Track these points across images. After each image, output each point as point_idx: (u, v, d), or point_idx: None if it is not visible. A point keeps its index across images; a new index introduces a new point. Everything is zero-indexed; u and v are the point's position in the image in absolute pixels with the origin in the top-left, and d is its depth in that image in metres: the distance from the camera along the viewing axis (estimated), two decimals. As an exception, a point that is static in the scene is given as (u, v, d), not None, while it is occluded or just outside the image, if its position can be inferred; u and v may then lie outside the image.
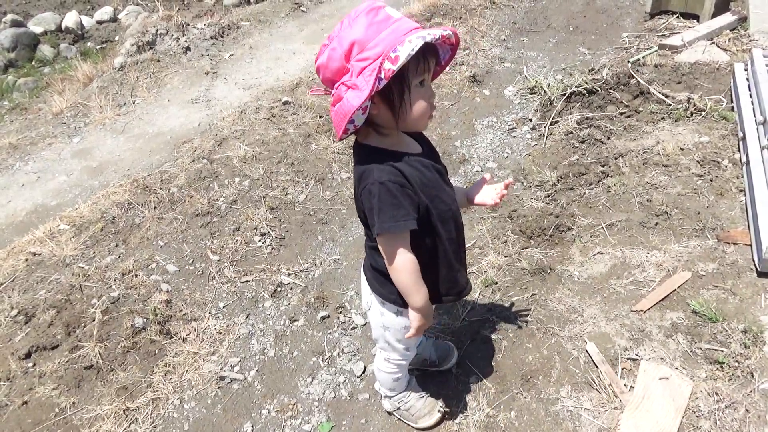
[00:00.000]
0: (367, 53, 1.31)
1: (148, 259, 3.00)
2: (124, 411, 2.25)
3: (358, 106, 1.31)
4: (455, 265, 1.72)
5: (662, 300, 2.35)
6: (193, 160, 3.78)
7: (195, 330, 2.59)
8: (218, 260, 2.98)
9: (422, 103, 1.43)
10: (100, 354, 2.44)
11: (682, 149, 3.21)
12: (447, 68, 1.59)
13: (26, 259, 3.04)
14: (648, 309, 2.32)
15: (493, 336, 2.38)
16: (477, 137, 3.95)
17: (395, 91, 1.38)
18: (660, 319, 2.28)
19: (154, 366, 2.42)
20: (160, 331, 2.55)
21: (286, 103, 4.37)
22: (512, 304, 2.51)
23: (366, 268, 1.76)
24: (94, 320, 2.58)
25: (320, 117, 4.14)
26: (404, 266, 1.50)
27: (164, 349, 2.49)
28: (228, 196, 3.42)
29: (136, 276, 2.87)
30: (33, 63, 7.26)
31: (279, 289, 2.81)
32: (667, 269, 2.49)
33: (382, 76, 1.29)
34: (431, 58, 1.40)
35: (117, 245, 3.11)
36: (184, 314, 2.66)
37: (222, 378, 2.39)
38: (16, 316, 2.64)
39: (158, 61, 5.20)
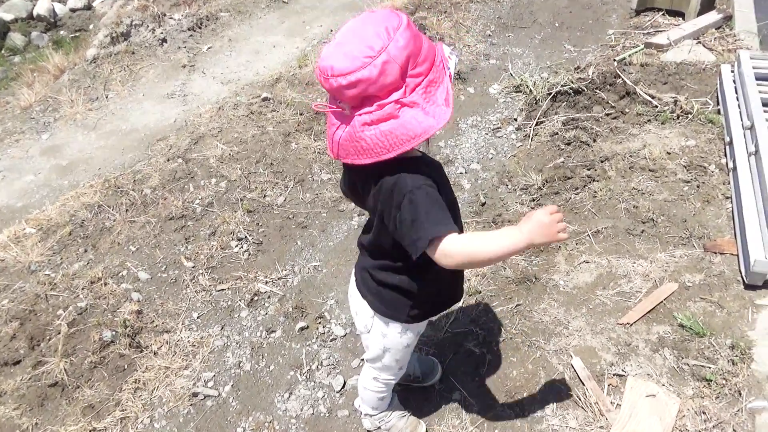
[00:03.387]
0: (420, 68, 1.26)
1: (119, 265, 2.88)
2: (90, 431, 2.14)
3: (443, 124, 1.27)
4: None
5: (649, 312, 2.29)
6: (168, 160, 3.64)
7: (167, 342, 2.48)
8: (193, 267, 2.87)
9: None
10: (65, 370, 2.33)
11: (669, 153, 3.16)
12: None
13: (-11, 265, 2.90)
14: (634, 322, 2.27)
15: (476, 349, 2.31)
16: (461, 137, 3.86)
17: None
18: (646, 333, 2.23)
19: (122, 382, 2.31)
20: (129, 344, 2.44)
21: (265, 99, 4.24)
22: (496, 315, 2.44)
23: (366, 290, 1.65)
24: (59, 333, 2.46)
25: (300, 115, 4.02)
26: (478, 248, 1.29)
27: (134, 364, 2.38)
28: (204, 198, 3.30)
29: (106, 284, 2.74)
30: (2, 51, 6.99)
31: (256, 297, 2.71)
32: (653, 280, 2.44)
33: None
34: None
35: (86, 251, 2.98)
36: (156, 326, 2.55)
37: (195, 394, 2.29)
38: (-24, 328, 2.51)
39: (133, 53, 5.02)
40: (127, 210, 3.22)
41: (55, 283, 2.75)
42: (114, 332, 2.46)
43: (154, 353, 2.43)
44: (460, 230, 1.54)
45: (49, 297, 2.67)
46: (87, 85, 4.66)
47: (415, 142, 1.26)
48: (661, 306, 2.31)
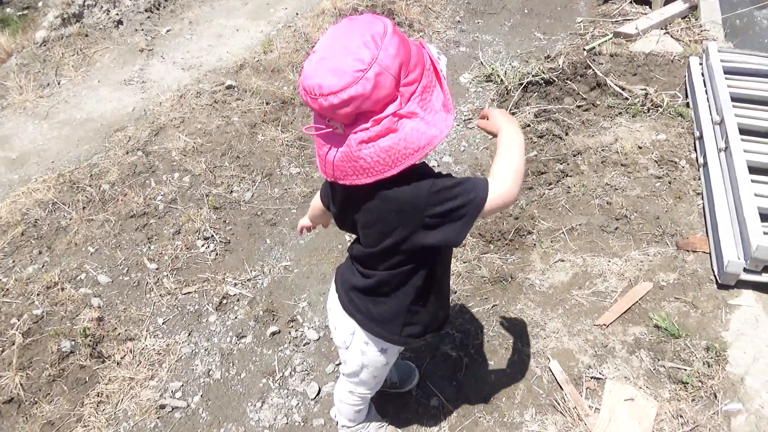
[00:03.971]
0: (413, 75, 1.18)
1: (77, 268, 2.72)
2: (50, 450, 2.03)
3: (447, 133, 1.20)
4: (449, 287, 1.67)
5: (624, 313, 2.29)
6: (127, 152, 3.46)
7: (131, 351, 2.37)
8: (156, 269, 2.74)
9: None
10: (21, 385, 2.19)
11: (640, 147, 3.16)
12: None
13: (-66, 270, 2.71)
14: (611, 323, 2.26)
15: (453, 353, 2.28)
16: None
17: None
18: (623, 334, 2.23)
19: (84, 396, 2.19)
20: (90, 354, 2.31)
21: (229, 87, 4.07)
22: (473, 317, 2.41)
23: (354, 309, 1.56)
24: (13, 344, 2.31)
25: (267, 104, 3.87)
26: (513, 172, 1.28)
27: (96, 376, 2.26)
28: (166, 194, 3.15)
29: (63, 289, 2.59)
30: (-57, 30, 6.56)
31: (224, 301, 2.61)
32: (628, 279, 2.44)
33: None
34: None
35: (40, 252, 2.81)
36: (118, 333, 2.42)
37: (162, 406, 2.19)
38: None
39: (86, 35, 4.74)
40: (84, 207, 3.05)
41: (7, 289, 2.58)
42: (73, 342, 2.33)
43: (118, 363, 2.31)
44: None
45: (1, 304, 2.51)
46: (37, 70, 4.38)
47: (420, 155, 1.18)
48: (636, 306, 2.32)
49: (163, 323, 2.50)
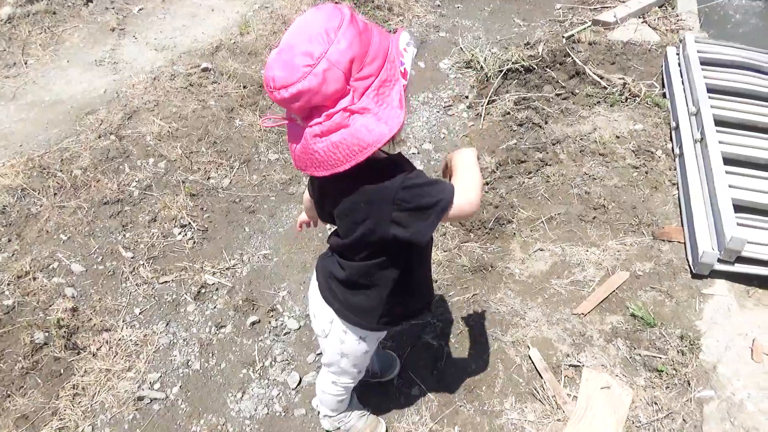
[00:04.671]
0: (368, 69, 1.14)
1: (49, 257, 2.65)
2: (25, 444, 1.99)
3: (397, 130, 1.17)
4: (430, 271, 1.68)
5: (602, 302, 2.33)
6: (99, 136, 3.36)
7: (107, 342, 2.32)
8: (132, 257, 2.68)
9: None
10: (-7, 377, 2.13)
11: (618, 137, 3.20)
12: None
13: None
14: (589, 312, 2.30)
15: (434, 342, 2.29)
16: (413, 115, 3.77)
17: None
18: (600, 323, 2.27)
19: (59, 389, 2.15)
20: (65, 345, 2.26)
21: (205, 69, 3.97)
22: (453, 306, 2.42)
23: (332, 298, 1.57)
24: (-16, 335, 2.25)
25: (244, 87, 3.80)
26: (477, 187, 1.32)
27: (71, 368, 2.21)
28: (141, 181, 3.07)
29: (35, 279, 2.52)
30: None
31: (203, 290, 2.57)
32: (606, 268, 2.48)
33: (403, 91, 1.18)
34: None
35: (10, 240, 2.73)
36: (94, 324, 2.37)
37: (140, 398, 2.16)
38: None
39: (54, 13, 4.57)
40: (55, 194, 2.96)
41: (-25, 279, 2.50)
42: (47, 333, 2.27)
43: (93, 355, 2.27)
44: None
45: (-31, 294, 2.43)
46: (2, 48, 4.21)
47: (367, 152, 1.17)
48: (613, 295, 2.36)
49: (139, 313, 2.46)
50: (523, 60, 3.95)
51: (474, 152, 1.40)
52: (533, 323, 2.30)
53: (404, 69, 1.17)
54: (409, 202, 1.24)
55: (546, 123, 3.44)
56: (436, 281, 2.54)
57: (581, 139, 3.22)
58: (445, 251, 2.69)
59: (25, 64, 4.13)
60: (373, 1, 4.90)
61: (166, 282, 2.59)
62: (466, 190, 1.30)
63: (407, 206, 1.24)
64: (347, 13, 1.14)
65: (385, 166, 1.27)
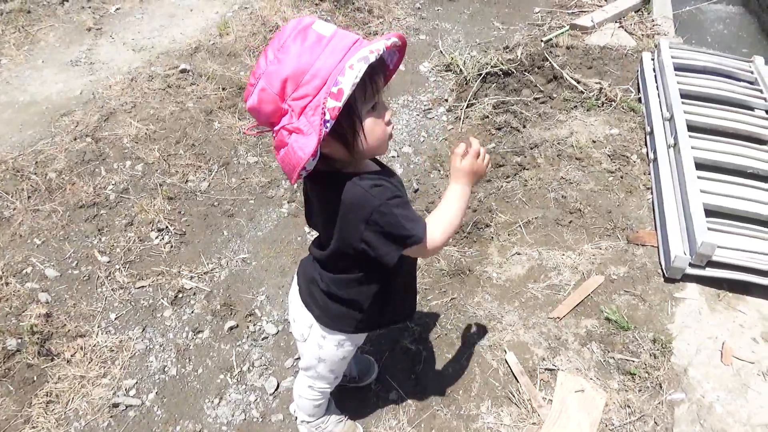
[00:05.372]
0: (304, 89, 1.13)
1: (22, 261, 2.61)
2: (-4, 453, 1.96)
3: (308, 157, 1.15)
4: (415, 278, 1.71)
5: (577, 306, 2.37)
6: (75, 138, 3.32)
7: (81, 348, 2.29)
8: (108, 262, 2.65)
9: (378, 128, 1.27)
10: (-37, 385, 2.10)
11: (594, 142, 3.24)
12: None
13: None
14: (564, 316, 2.33)
15: (412, 346, 2.30)
16: (393, 118, 3.77)
17: (346, 126, 1.21)
18: (575, 327, 2.30)
19: (32, 396, 2.12)
20: (38, 352, 2.23)
21: (183, 71, 3.94)
22: (431, 310, 2.44)
23: (312, 303, 1.58)
24: (-46, 343, 2.21)
25: (223, 90, 3.77)
26: (452, 222, 1.35)
27: (44, 375, 2.18)
28: (118, 184, 3.04)
29: (7, 284, 2.48)
30: None
31: (180, 295, 2.55)
32: (581, 272, 2.51)
33: (328, 117, 1.12)
34: (379, 72, 1.24)
35: (-18, 244, 2.68)
36: (68, 330, 2.34)
37: (115, 405, 2.14)
38: None
39: (29, 12, 4.50)
40: (29, 197, 2.91)
41: (-54, 284, 2.45)
42: (20, 340, 2.23)
43: (68, 361, 2.24)
44: None
45: (-61, 300, 2.38)
46: (-26, 47, 4.13)
47: (296, 173, 1.19)
48: (588, 299, 2.39)
49: (115, 318, 2.43)
50: (502, 64, 3.99)
51: (470, 179, 1.39)
52: (510, 327, 2.33)
53: (338, 89, 1.10)
54: (382, 226, 1.26)
55: (524, 127, 3.47)
56: (415, 285, 2.55)
57: (558, 143, 3.26)
58: (423, 255, 2.70)
59: (-1, 63, 4.05)
60: (353, 3, 4.91)
61: (142, 287, 2.57)
62: (436, 233, 1.31)
63: (378, 229, 1.26)
64: (294, 28, 1.15)
65: (367, 182, 1.27)
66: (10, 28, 4.33)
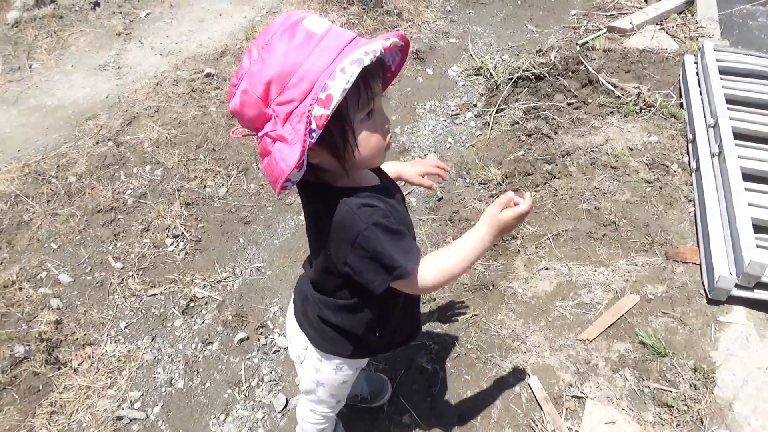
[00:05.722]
0: (290, 92, 1.01)
1: (37, 266, 2.58)
2: (-4, 465, 1.90)
3: (291, 168, 1.03)
4: (419, 302, 1.60)
5: (609, 327, 2.19)
6: (98, 142, 3.30)
7: (89, 357, 2.24)
8: (121, 268, 2.60)
9: (374, 138, 1.14)
10: (-32, 393, 2.06)
11: (631, 149, 3.05)
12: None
13: None
14: (595, 338, 2.16)
15: (429, 366, 2.16)
16: (418, 123, 3.66)
17: (336, 135, 1.08)
18: (607, 350, 2.13)
19: (36, 406, 2.07)
20: (46, 360, 2.18)
21: (208, 75, 3.91)
22: (451, 327, 2.30)
23: (306, 323, 1.47)
24: (-37, 348, 2.18)
25: (246, 94, 3.71)
26: (452, 264, 1.21)
27: (50, 384, 2.13)
28: (136, 188, 3.00)
29: (21, 289, 2.46)
30: None
31: (192, 304, 2.48)
32: (614, 290, 2.34)
33: (314, 125, 1.00)
34: (375, 77, 1.10)
35: (0, 248, 2.66)
36: (77, 338, 2.29)
37: (119, 418, 2.07)
38: None
39: (61, 17, 4.55)
40: (48, 201, 2.90)
41: (-39, 288, 2.44)
42: (28, 347, 2.19)
43: (74, 370, 2.19)
44: None
45: (-47, 304, 2.37)
46: (7, 52, 4.19)
47: (279, 181, 1.07)
48: (622, 320, 2.21)
49: (125, 327, 2.37)
50: (534, 67, 3.82)
51: (495, 231, 1.22)
52: (534, 348, 2.17)
53: (326, 95, 0.98)
54: (367, 251, 1.14)
55: (556, 133, 3.30)
56: (434, 299, 2.42)
57: (592, 150, 3.08)
58: (445, 268, 2.56)
59: (30, 68, 4.10)
60: (382, 6, 4.81)
61: (154, 295, 2.51)
62: (428, 274, 1.18)
63: (363, 254, 1.14)
64: (282, 23, 1.03)
65: (355, 200, 1.16)
66: (42, 33, 4.39)
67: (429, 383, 2.11)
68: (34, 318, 2.34)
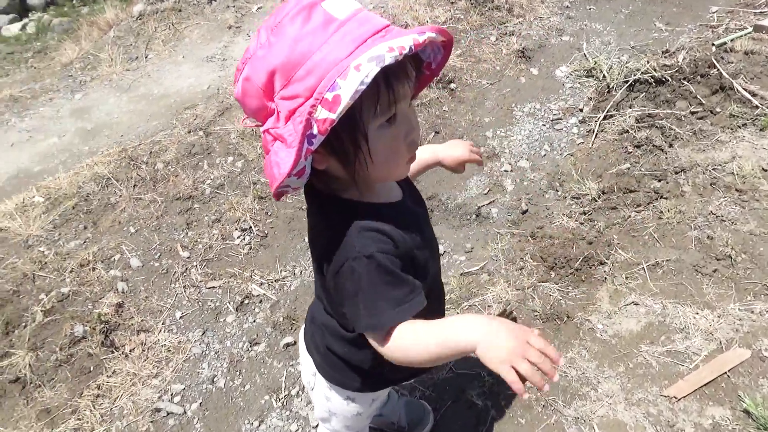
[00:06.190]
0: (296, 87, 0.84)
1: (114, 248, 2.67)
2: (40, 440, 1.96)
3: (283, 177, 0.88)
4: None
5: (705, 385, 1.80)
6: (189, 131, 3.39)
7: (142, 344, 2.26)
8: (188, 257, 2.62)
9: (393, 149, 0.96)
10: (30, 365, 2.15)
11: (765, 170, 2.54)
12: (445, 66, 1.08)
13: (-10, 235, 2.79)
14: (685, 396, 1.78)
15: (479, 401, 1.92)
16: (513, 127, 3.36)
17: (346, 141, 0.91)
18: (698, 414, 1.75)
19: (84, 387, 2.11)
20: (102, 342, 2.23)
21: (304, 69, 3.88)
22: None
23: (313, 347, 1.33)
24: (34, 321, 2.29)
25: (337, 89, 3.64)
26: (425, 349, 0.95)
27: (101, 366, 2.17)
28: (216, 179, 3.03)
29: (94, 269, 2.55)
30: (74, 1, 7.05)
31: (247, 301, 2.43)
32: (719, 341, 1.93)
33: (315, 130, 0.83)
34: (401, 78, 0.90)
35: (86, 227, 2.80)
36: (134, 324, 2.33)
37: (158, 410, 2.05)
38: (-44, 305, 2.39)
39: (179, 11, 4.79)
40: (135, 185, 3.01)
41: (45, 262, 2.58)
42: (87, 328, 2.25)
43: (126, 356, 2.22)
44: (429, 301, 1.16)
45: (36, 277, 2.51)
46: (129, 43, 4.49)
47: (276, 184, 0.91)
48: (723, 379, 1.81)
49: (180, 317, 2.38)
50: (655, 70, 3.35)
51: (490, 354, 0.88)
52: (606, 398, 1.84)
53: (333, 95, 0.81)
54: (350, 282, 0.97)
55: (671, 146, 2.85)
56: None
57: (714, 168, 2.62)
58: (517, 290, 2.29)
59: (146, 58, 4.35)
60: (492, 1, 4.52)
61: (213, 287, 2.49)
62: (396, 348, 0.97)
63: (345, 284, 0.98)
64: (297, 2, 0.86)
65: (356, 214, 0.98)
66: (162, 26, 4.64)
67: (477, 420, 1.87)
68: (100, 299, 2.42)
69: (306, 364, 1.38)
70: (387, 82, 0.86)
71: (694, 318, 2.02)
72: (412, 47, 0.83)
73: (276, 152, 0.90)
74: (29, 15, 6.91)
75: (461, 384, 1.98)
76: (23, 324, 2.31)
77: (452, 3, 4.57)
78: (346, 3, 0.87)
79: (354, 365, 1.22)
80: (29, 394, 2.10)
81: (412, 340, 0.96)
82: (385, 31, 0.87)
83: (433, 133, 3.28)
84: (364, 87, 0.80)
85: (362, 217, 0.98)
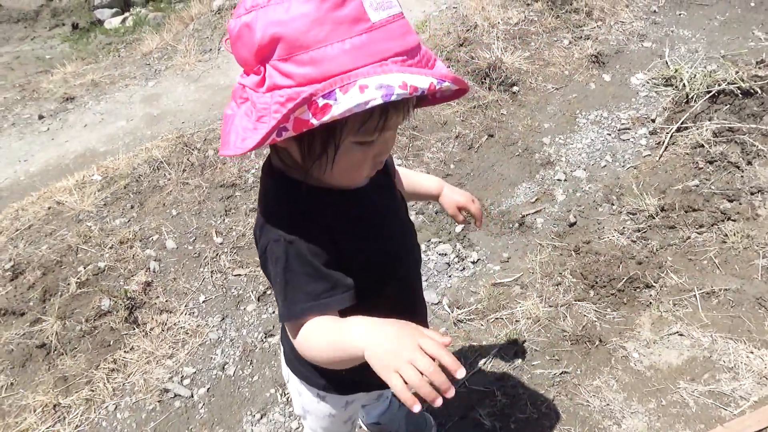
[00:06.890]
0: (294, 67, 0.76)
1: (154, 228, 2.74)
2: (54, 406, 2.02)
3: (243, 151, 0.82)
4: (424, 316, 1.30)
5: (750, 436, 1.55)
6: (245, 122, 3.44)
7: (163, 324, 2.28)
8: (220, 243, 2.63)
9: (357, 164, 0.89)
10: (57, 333, 2.23)
11: None
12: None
13: (49, 207, 2.94)
14: (722, 445, 1.55)
15: (488, 421, 1.77)
16: (574, 135, 3.13)
17: (317, 141, 0.84)
18: (736, 468, 1.51)
19: (102, 359, 2.16)
20: (125, 318, 2.27)
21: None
22: (531, 380, 1.86)
23: (284, 338, 1.27)
24: (68, 291, 2.38)
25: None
26: (321, 349, 0.89)
27: (120, 341, 2.21)
28: (259, 169, 3.04)
29: (132, 247, 2.62)
30: (172, -3, 7.46)
31: (269, 291, 2.40)
32: (773, 386, 1.66)
33: (290, 126, 0.76)
34: (399, 110, 0.83)
35: (132, 207, 2.90)
36: (158, 303, 2.36)
37: (166, 390, 2.06)
38: (6, 270, 2.53)
39: (256, 6, 4.91)
40: (184, 170, 3.08)
41: (90, 237, 2.69)
42: (113, 302, 2.31)
43: (146, 333, 2.25)
44: (391, 292, 1.06)
45: (79, 250, 2.62)
46: (206, 35, 4.65)
47: (221, 153, 0.87)
48: (771, 430, 1.55)
49: (203, 302, 2.38)
50: (743, 80, 3.02)
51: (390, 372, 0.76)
52: (630, 436, 1.63)
53: (324, 104, 0.73)
54: (270, 265, 0.91)
55: (749, 164, 2.54)
56: (524, 341, 1.99)
57: (797, 191, 2.30)
58: (550, 306, 2.11)
59: (219, 50, 4.48)
60: (571, 4, 4.29)
61: (239, 275, 2.48)
62: (305, 341, 0.89)
63: (269, 268, 0.92)
64: None
65: (295, 196, 0.92)
66: (237, 21, 4.78)
67: (482, 443, 1.72)
68: (132, 276, 2.47)
69: (281, 355, 1.32)
70: (384, 108, 0.78)
71: (748, 357, 1.76)
72: (425, 90, 0.75)
73: (242, 117, 0.84)
74: (130, 10, 7.40)
75: (472, 400, 1.83)
76: (60, 292, 2.41)
77: (528, 5, 4.38)
78: (386, 3, 0.78)
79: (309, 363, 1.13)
80: (52, 360, 2.17)
81: (314, 338, 0.87)
82: (412, 53, 0.79)
83: (487, 136, 3.13)
84: (358, 110, 0.73)
85: (301, 200, 0.90)
